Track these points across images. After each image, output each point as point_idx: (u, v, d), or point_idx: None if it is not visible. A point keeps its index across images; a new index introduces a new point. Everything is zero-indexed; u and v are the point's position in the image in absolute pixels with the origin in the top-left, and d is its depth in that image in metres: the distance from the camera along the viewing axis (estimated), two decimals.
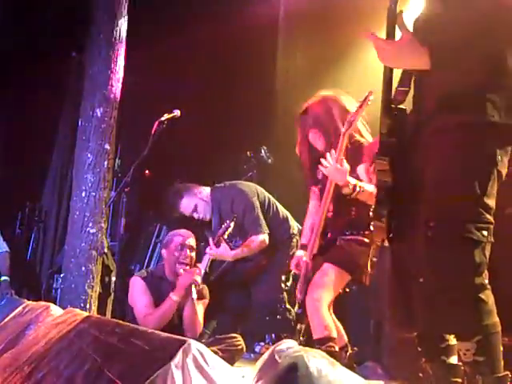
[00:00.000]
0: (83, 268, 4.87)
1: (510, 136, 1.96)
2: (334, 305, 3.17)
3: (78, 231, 4.93)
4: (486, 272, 1.92)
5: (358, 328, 3.56)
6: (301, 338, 3.13)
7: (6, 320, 3.56)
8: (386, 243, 2.12)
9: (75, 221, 4.98)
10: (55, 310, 3.27)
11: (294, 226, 4.50)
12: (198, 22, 6.30)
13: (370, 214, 2.12)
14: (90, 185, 4.96)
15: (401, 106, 2.09)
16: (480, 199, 1.91)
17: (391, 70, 2.08)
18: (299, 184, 4.32)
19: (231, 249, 4.31)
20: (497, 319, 1.91)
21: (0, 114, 7.07)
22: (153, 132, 4.02)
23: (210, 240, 4.25)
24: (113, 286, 5.03)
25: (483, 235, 1.90)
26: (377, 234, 2.11)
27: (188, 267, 3.92)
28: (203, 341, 3.67)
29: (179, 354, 1.74)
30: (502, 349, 1.91)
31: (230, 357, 3.47)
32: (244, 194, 4.45)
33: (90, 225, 4.92)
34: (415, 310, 2.03)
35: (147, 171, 6.71)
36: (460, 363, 1.94)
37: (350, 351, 3.13)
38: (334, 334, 2.94)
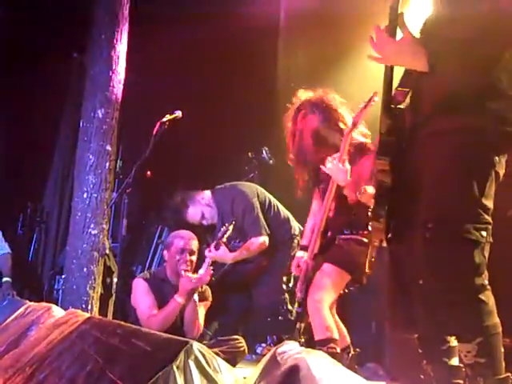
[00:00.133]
0: (85, 269, 4.87)
1: (506, 141, 1.96)
2: (335, 307, 3.18)
3: (80, 232, 4.93)
4: (485, 273, 1.92)
5: (359, 329, 3.56)
6: (301, 338, 3.13)
7: (7, 321, 3.56)
8: (384, 244, 2.12)
9: (77, 222, 4.98)
10: (57, 311, 3.27)
11: (296, 226, 4.50)
12: (199, 22, 6.29)
13: (369, 214, 2.12)
14: (91, 186, 4.96)
15: (400, 107, 2.09)
16: (478, 200, 1.91)
17: (392, 70, 2.08)
18: None
19: (231, 251, 4.31)
20: (497, 320, 1.91)
21: (1, 114, 7.07)
22: (154, 133, 4.02)
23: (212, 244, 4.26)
24: (114, 287, 5.03)
25: (482, 236, 1.90)
26: (375, 234, 2.11)
27: (189, 268, 3.91)
28: (205, 342, 3.67)
29: (181, 356, 1.74)
30: (502, 350, 1.91)
31: (232, 358, 3.47)
32: (244, 195, 4.45)
33: (92, 226, 4.92)
34: (415, 312, 2.02)
35: (149, 172, 6.71)
36: (461, 365, 1.94)
37: (352, 352, 3.13)
38: (336, 336, 2.94)
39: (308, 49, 6.06)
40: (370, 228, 2.11)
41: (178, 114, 4.15)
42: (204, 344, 2.41)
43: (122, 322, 2.63)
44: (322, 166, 3.11)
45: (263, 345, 4.42)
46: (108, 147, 5.04)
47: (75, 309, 3.58)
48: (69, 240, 5.09)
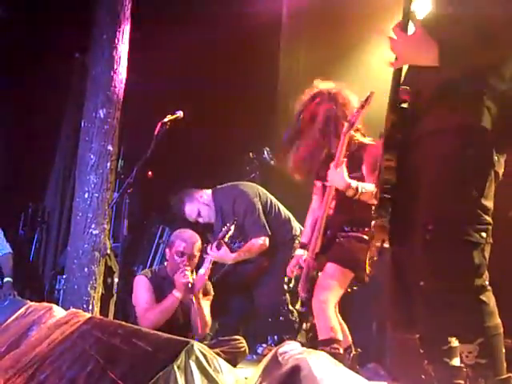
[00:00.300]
0: (86, 269, 4.87)
1: (505, 140, 1.96)
2: (337, 306, 3.18)
3: (81, 232, 4.94)
4: (486, 273, 1.92)
5: (360, 329, 3.55)
6: (306, 337, 3.13)
7: (8, 321, 3.57)
8: (387, 244, 2.11)
9: (78, 222, 4.98)
10: (58, 311, 3.27)
11: (296, 227, 4.49)
12: (201, 22, 6.30)
13: (372, 213, 2.11)
14: (92, 186, 4.96)
15: (404, 105, 2.08)
16: (478, 201, 1.91)
17: (401, 69, 2.08)
18: (302, 185, 4.32)
19: (232, 251, 4.31)
20: (498, 321, 1.91)
21: (3, 115, 7.07)
22: (156, 133, 4.02)
23: (213, 243, 4.26)
24: (115, 287, 5.04)
25: (482, 237, 1.90)
26: (378, 234, 2.10)
27: (188, 269, 3.90)
28: (206, 342, 3.67)
29: (182, 356, 1.74)
30: (504, 351, 1.90)
31: (233, 358, 3.47)
32: (245, 195, 4.45)
33: (93, 226, 4.92)
34: (416, 312, 2.02)
35: (150, 172, 6.71)
36: (462, 365, 1.93)
37: (353, 352, 3.13)
38: (340, 336, 2.94)
39: (310, 49, 6.05)
40: (372, 227, 2.10)
41: (180, 114, 4.14)
42: (205, 344, 2.41)
43: (123, 322, 2.63)
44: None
45: (264, 345, 4.41)
46: (109, 147, 5.05)
47: (76, 309, 3.58)
48: (70, 240, 5.09)
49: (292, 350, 1.62)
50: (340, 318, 3.15)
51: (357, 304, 3.72)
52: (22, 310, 3.58)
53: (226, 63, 6.56)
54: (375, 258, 2.55)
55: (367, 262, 2.99)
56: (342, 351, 2.92)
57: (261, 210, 4.41)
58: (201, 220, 4.58)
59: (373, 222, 2.08)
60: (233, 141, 6.25)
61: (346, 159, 3.05)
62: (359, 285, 3.17)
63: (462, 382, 1.96)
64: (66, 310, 3.38)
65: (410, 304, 2.02)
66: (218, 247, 4.19)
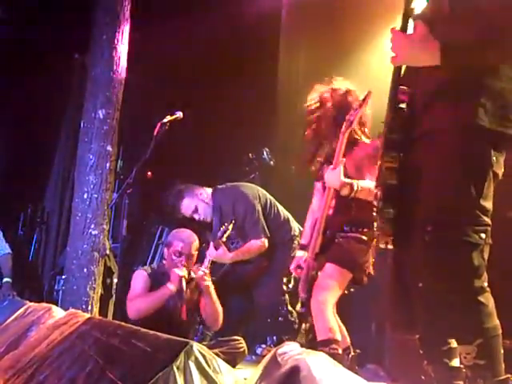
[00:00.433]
0: (85, 270, 4.87)
1: (504, 141, 1.96)
2: (336, 307, 3.17)
3: (80, 233, 4.94)
4: (485, 274, 1.92)
5: (359, 330, 3.55)
6: (305, 338, 3.13)
7: (7, 321, 3.56)
8: (390, 246, 2.11)
9: (77, 222, 4.98)
10: (57, 312, 3.27)
11: (295, 227, 4.50)
12: (200, 22, 6.30)
13: (374, 214, 2.11)
14: (92, 186, 4.96)
15: (403, 106, 2.08)
16: (476, 202, 1.91)
17: (400, 68, 2.08)
18: (301, 186, 4.32)
19: (230, 251, 4.31)
20: (497, 322, 1.91)
21: (2, 115, 7.07)
22: (155, 134, 4.02)
23: (211, 243, 4.26)
24: (114, 287, 5.03)
25: (481, 238, 1.90)
26: (381, 236, 2.09)
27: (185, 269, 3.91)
28: (205, 343, 3.67)
29: (181, 356, 1.74)
30: (502, 352, 1.90)
31: (232, 359, 3.47)
32: (245, 197, 4.45)
33: (92, 226, 4.92)
34: (416, 313, 2.02)
35: (149, 173, 6.71)
36: (462, 366, 1.93)
37: (352, 353, 3.13)
38: (338, 337, 2.94)
39: (310, 49, 6.06)
40: (375, 229, 2.10)
41: (179, 114, 4.14)
42: (204, 345, 2.41)
43: (122, 323, 2.63)
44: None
45: (263, 346, 4.41)
46: (109, 148, 5.05)
47: (75, 309, 3.58)
48: (69, 240, 5.09)
49: (291, 351, 1.61)
50: (338, 319, 3.15)
51: (356, 305, 3.72)
52: (22, 310, 3.57)
53: (225, 63, 6.56)
54: (373, 260, 2.56)
55: (367, 262, 3.00)
56: (340, 352, 2.92)
57: (260, 212, 4.41)
58: (196, 217, 4.56)
59: (376, 224, 2.08)
60: (232, 141, 6.25)
61: (344, 159, 3.05)
62: (357, 287, 3.17)
63: (462, 382, 1.96)
64: (66, 310, 3.37)
65: (409, 305, 2.02)
66: (217, 247, 4.19)
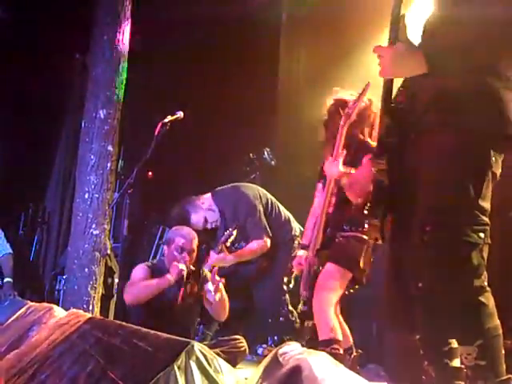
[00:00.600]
0: (86, 269, 4.87)
1: (502, 141, 1.96)
2: (339, 306, 3.18)
3: (81, 233, 4.93)
4: (485, 274, 1.92)
5: (360, 330, 3.55)
6: (307, 337, 3.14)
7: (9, 321, 3.56)
8: (380, 242, 2.12)
9: (78, 222, 4.98)
10: (58, 312, 3.27)
11: (296, 227, 4.50)
12: (201, 22, 6.30)
13: (366, 213, 2.12)
14: (93, 186, 4.96)
15: (401, 107, 2.09)
16: (475, 202, 1.91)
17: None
18: (302, 185, 4.32)
19: (232, 252, 4.31)
20: (498, 322, 1.91)
21: (3, 115, 7.07)
22: (156, 133, 4.02)
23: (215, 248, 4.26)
24: (115, 287, 5.03)
25: (480, 237, 1.90)
26: (371, 232, 2.11)
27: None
28: (206, 343, 3.67)
29: (182, 356, 1.75)
30: (503, 352, 1.90)
31: (233, 358, 3.47)
32: (246, 197, 4.45)
33: (93, 226, 4.92)
34: (416, 313, 2.02)
35: (150, 173, 6.72)
36: (462, 366, 1.93)
37: (354, 353, 3.13)
38: (339, 337, 2.94)
39: (310, 49, 6.06)
40: (366, 226, 2.11)
41: (180, 114, 4.14)
42: (205, 344, 2.41)
43: (124, 323, 2.63)
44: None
45: (264, 346, 4.42)
46: (110, 148, 5.04)
47: (76, 309, 3.58)
48: (70, 240, 5.09)
49: (292, 351, 1.62)
50: (341, 319, 3.16)
51: (357, 305, 3.72)
52: (23, 310, 3.57)
53: (226, 63, 6.56)
54: (372, 259, 2.56)
55: (365, 261, 3.01)
56: (342, 352, 2.92)
57: (262, 212, 4.41)
58: (209, 226, 4.59)
59: (366, 221, 2.10)
60: (233, 141, 6.25)
61: (345, 151, 3.06)
62: (356, 288, 3.17)
63: (462, 383, 1.96)
64: (67, 310, 3.37)
65: (409, 305, 2.02)
66: (220, 252, 4.20)
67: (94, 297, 4.87)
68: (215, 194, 4.63)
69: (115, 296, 4.97)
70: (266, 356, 1.75)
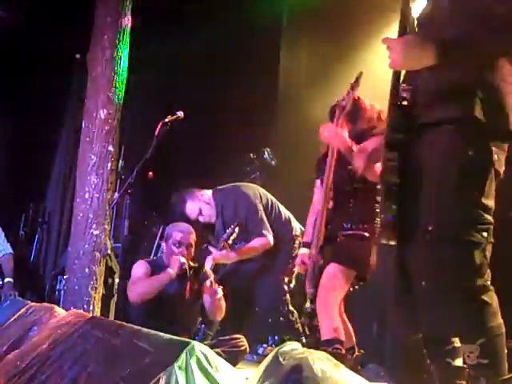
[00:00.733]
0: (87, 269, 4.87)
1: (502, 139, 1.96)
2: (343, 306, 3.18)
3: (82, 233, 4.93)
4: (488, 273, 1.92)
5: (360, 330, 3.55)
6: (314, 336, 3.14)
7: (9, 321, 3.56)
8: (392, 242, 2.10)
9: (79, 222, 4.98)
10: (59, 312, 3.26)
11: (297, 227, 4.49)
12: (201, 22, 6.30)
13: (378, 212, 2.11)
14: (93, 186, 4.96)
15: (405, 103, 2.08)
16: (478, 200, 1.90)
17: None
18: (302, 185, 4.32)
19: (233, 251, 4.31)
20: (501, 321, 1.91)
21: (3, 115, 7.07)
22: (156, 133, 4.02)
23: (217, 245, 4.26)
24: (116, 287, 5.03)
25: (483, 236, 1.89)
26: (383, 231, 2.09)
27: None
28: (206, 342, 3.67)
29: (183, 356, 1.74)
30: (506, 351, 1.90)
31: (233, 357, 3.47)
32: (246, 197, 4.45)
33: (94, 226, 4.92)
34: (419, 312, 2.02)
35: (150, 173, 6.71)
36: (465, 365, 1.93)
37: (356, 353, 3.13)
38: (342, 337, 2.95)
39: (311, 49, 6.06)
40: (378, 225, 2.10)
41: (180, 114, 4.14)
42: (205, 344, 2.41)
43: (124, 323, 2.63)
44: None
45: (264, 345, 4.41)
46: (110, 148, 5.04)
47: (77, 309, 3.58)
48: (71, 240, 5.09)
49: (293, 350, 1.62)
50: (346, 318, 3.16)
51: (357, 304, 3.72)
52: (23, 310, 3.57)
53: (226, 63, 6.56)
54: (380, 255, 2.55)
55: (370, 259, 3.00)
56: (343, 352, 2.92)
57: (263, 211, 4.41)
58: (201, 219, 4.57)
59: (379, 221, 2.08)
60: (233, 141, 6.25)
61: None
62: (361, 284, 3.17)
63: (464, 382, 1.96)
64: (67, 310, 3.37)
65: (413, 303, 2.02)
66: (221, 248, 4.20)
67: (95, 297, 4.87)
68: (215, 192, 4.63)
69: (116, 296, 4.97)
70: (266, 356, 1.75)
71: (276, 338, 4.36)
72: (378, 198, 2.10)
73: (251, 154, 5.71)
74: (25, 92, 6.69)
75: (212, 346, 3.16)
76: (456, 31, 1.90)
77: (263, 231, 4.31)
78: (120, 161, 5.91)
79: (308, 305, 3.18)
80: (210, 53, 6.58)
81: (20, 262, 5.87)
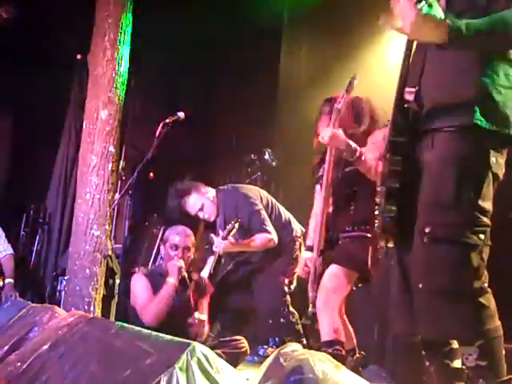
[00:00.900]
0: (87, 270, 4.87)
1: (500, 142, 1.95)
2: (344, 307, 3.18)
3: (83, 233, 4.94)
4: (485, 275, 1.92)
5: (361, 331, 3.55)
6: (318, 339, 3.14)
7: (10, 322, 3.56)
8: (391, 244, 2.10)
9: (79, 223, 4.98)
10: (59, 313, 3.26)
11: (297, 228, 4.49)
12: (202, 22, 6.30)
13: (376, 212, 2.11)
14: (94, 187, 4.96)
15: (409, 106, 2.07)
16: (475, 202, 1.90)
17: (407, 69, 2.06)
18: (303, 186, 4.32)
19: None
20: (498, 323, 1.91)
21: (4, 115, 7.08)
22: (157, 134, 4.02)
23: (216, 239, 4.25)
24: (117, 288, 5.04)
25: (480, 238, 1.90)
26: (382, 233, 2.09)
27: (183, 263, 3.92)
28: (207, 344, 3.67)
29: (184, 357, 1.74)
30: (504, 352, 1.90)
31: (234, 359, 3.48)
32: (247, 198, 4.44)
33: (95, 227, 4.92)
34: (417, 314, 2.02)
35: (151, 173, 6.72)
36: (464, 367, 1.93)
37: (357, 355, 3.13)
38: (342, 338, 2.95)
39: (311, 49, 6.06)
40: (376, 227, 2.09)
41: (181, 115, 4.14)
42: (206, 345, 2.41)
43: (125, 324, 2.63)
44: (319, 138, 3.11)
45: (265, 346, 4.41)
46: (111, 148, 5.04)
47: (77, 310, 3.58)
48: (71, 241, 5.09)
49: (294, 352, 1.61)
50: (346, 320, 3.16)
51: (358, 305, 3.72)
52: (24, 311, 3.57)
53: (227, 64, 6.56)
54: (380, 257, 2.54)
55: (370, 261, 2.99)
56: (344, 353, 2.92)
57: (264, 211, 4.40)
58: (201, 215, 4.53)
59: (377, 223, 2.08)
60: (234, 142, 6.26)
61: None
62: (362, 285, 3.17)
63: (463, 383, 1.96)
64: (68, 311, 3.37)
65: (412, 305, 2.02)
66: (223, 238, 4.20)
67: (96, 298, 4.87)
68: (218, 191, 4.62)
69: (116, 297, 4.97)
70: (267, 357, 1.74)
71: (277, 339, 4.36)
72: (377, 200, 2.09)
73: (252, 155, 5.72)
74: (26, 92, 6.69)
75: (213, 347, 3.16)
76: (473, 16, 1.88)
77: (267, 228, 4.30)
78: (121, 161, 5.91)
79: (310, 309, 3.17)
80: (210, 53, 6.59)
81: (21, 262, 5.88)
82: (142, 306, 3.84)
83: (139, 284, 3.95)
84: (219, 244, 4.16)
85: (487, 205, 1.93)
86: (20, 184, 6.84)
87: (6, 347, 3.07)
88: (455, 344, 2.01)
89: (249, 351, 3.81)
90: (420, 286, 1.94)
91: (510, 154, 2.04)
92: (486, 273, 1.92)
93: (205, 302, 4.01)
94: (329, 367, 1.48)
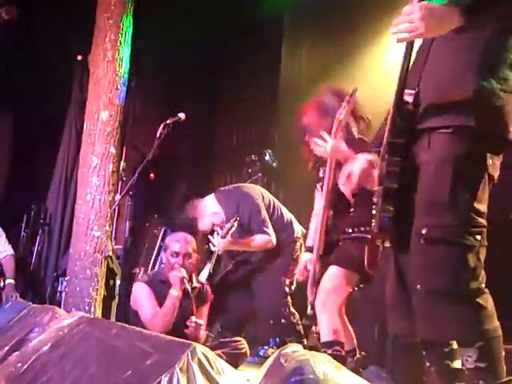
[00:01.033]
0: (88, 271, 4.87)
1: (496, 144, 1.96)
2: (344, 308, 3.18)
3: (83, 234, 4.94)
4: (483, 276, 1.92)
5: (361, 332, 3.55)
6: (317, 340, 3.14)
7: (10, 323, 3.56)
8: (387, 244, 2.11)
9: (80, 224, 4.98)
10: (60, 313, 3.26)
11: (298, 229, 4.49)
12: (202, 23, 6.30)
13: (373, 212, 2.11)
14: (94, 188, 4.96)
15: (408, 108, 2.07)
16: (470, 204, 1.90)
17: (407, 71, 2.06)
18: (304, 187, 4.32)
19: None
20: (497, 324, 1.91)
21: (5, 115, 7.08)
22: (158, 135, 4.02)
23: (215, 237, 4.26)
24: (117, 289, 5.04)
25: (476, 239, 1.90)
26: (378, 233, 2.09)
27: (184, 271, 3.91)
28: (207, 344, 3.67)
29: (184, 358, 1.74)
30: (503, 353, 1.90)
31: (234, 360, 3.47)
32: (249, 197, 4.45)
33: (95, 228, 4.92)
34: (416, 315, 2.02)
35: (152, 174, 6.72)
36: (464, 368, 1.93)
37: (357, 356, 3.13)
38: (342, 339, 2.95)
39: (312, 50, 6.06)
40: (373, 227, 2.09)
41: (182, 116, 4.15)
42: (207, 346, 2.41)
43: (125, 324, 2.63)
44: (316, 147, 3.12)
45: (266, 347, 4.42)
46: (112, 149, 5.05)
47: (78, 311, 3.58)
48: (72, 242, 5.09)
49: (295, 352, 1.61)
50: (346, 321, 3.16)
51: (358, 306, 3.72)
52: (24, 312, 3.57)
53: (227, 64, 6.57)
54: (379, 258, 2.55)
55: (367, 261, 2.99)
56: (344, 353, 2.92)
57: (265, 211, 4.41)
58: (216, 228, 4.56)
59: (374, 222, 2.08)
60: (235, 143, 6.26)
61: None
62: (363, 285, 3.17)
63: None
64: (68, 311, 3.37)
65: (411, 306, 2.02)
66: (223, 237, 4.21)
67: (96, 298, 4.87)
68: (218, 194, 4.62)
69: (117, 298, 4.97)
70: (267, 357, 1.75)
71: (277, 339, 4.36)
72: (375, 199, 2.09)
73: (253, 156, 5.72)
74: (26, 93, 6.69)
75: (213, 348, 3.16)
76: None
77: (266, 229, 4.31)
78: (121, 162, 5.91)
79: (310, 310, 3.18)
80: (210, 53, 6.59)
81: (21, 263, 5.87)
82: (148, 320, 3.82)
83: (142, 293, 3.93)
84: (218, 242, 4.16)
85: (482, 207, 1.94)
86: (21, 185, 6.84)
87: (7, 348, 3.07)
88: (455, 345, 2.01)
89: (248, 353, 3.81)
90: (418, 287, 1.94)
91: (510, 156, 2.04)
92: (483, 273, 1.92)
93: (205, 309, 4.00)
94: (329, 368, 1.48)
